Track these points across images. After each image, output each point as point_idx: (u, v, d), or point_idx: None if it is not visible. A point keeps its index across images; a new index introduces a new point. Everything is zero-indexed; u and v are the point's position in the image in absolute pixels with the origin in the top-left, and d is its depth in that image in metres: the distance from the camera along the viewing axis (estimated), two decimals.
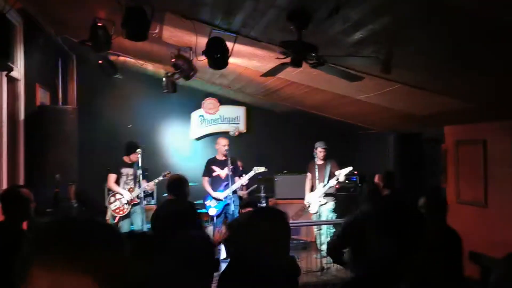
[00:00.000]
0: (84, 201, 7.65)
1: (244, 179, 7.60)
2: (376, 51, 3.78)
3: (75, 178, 6.39)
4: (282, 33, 3.71)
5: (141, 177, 7.09)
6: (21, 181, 5.62)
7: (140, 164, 7.06)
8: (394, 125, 7.58)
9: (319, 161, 7.76)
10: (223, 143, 7.67)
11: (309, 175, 7.93)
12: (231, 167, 7.51)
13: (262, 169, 7.68)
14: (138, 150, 7.04)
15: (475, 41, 3.35)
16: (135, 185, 7.18)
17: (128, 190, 7.17)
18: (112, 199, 7.23)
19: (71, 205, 6.68)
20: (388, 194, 5.49)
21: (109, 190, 7.40)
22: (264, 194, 8.34)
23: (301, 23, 3.39)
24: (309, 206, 7.72)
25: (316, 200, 7.53)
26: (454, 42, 3.49)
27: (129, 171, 7.24)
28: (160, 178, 7.47)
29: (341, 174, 7.41)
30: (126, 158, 7.25)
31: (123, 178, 7.25)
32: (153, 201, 8.58)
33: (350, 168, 7.50)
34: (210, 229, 7.75)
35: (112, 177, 7.22)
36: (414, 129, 6.91)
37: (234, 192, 7.46)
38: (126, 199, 7.17)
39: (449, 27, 3.18)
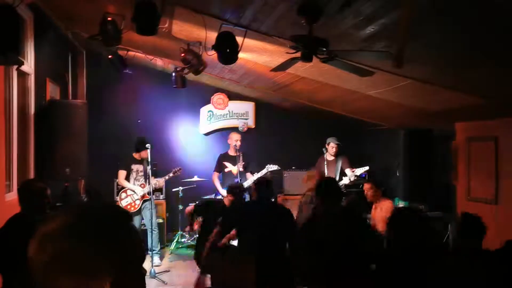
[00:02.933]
0: (94, 196, 7.69)
1: (257, 177, 7.53)
2: (387, 46, 3.74)
3: (85, 172, 6.41)
4: (293, 27, 3.68)
5: (149, 173, 7.10)
6: (31, 175, 5.64)
7: (149, 160, 7.07)
8: (405, 121, 7.52)
9: (329, 157, 7.72)
10: (235, 138, 7.66)
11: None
12: (243, 163, 7.50)
13: (275, 167, 7.62)
14: (147, 145, 7.04)
15: (489, 35, 3.30)
16: (145, 181, 7.20)
17: (140, 186, 7.21)
18: (124, 195, 7.25)
19: (81, 200, 6.72)
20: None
21: (120, 186, 7.42)
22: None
23: (312, 17, 3.36)
24: None
25: None
26: (467, 37, 3.44)
27: (139, 167, 7.26)
28: (171, 174, 7.46)
29: (356, 173, 7.37)
30: (135, 155, 7.27)
31: (133, 174, 7.28)
32: (161, 196, 8.61)
33: (367, 168, 7.45)
34: None
35: (122, 173, 7.25)
36: (424, 126, 6.84)
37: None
38: (138, 195, 7.19)
39: (462, 20, 3.14)
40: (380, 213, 5.42)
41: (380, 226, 5.30)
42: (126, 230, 1.08)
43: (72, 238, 0.98)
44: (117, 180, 7.46)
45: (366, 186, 5.43)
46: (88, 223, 1.03)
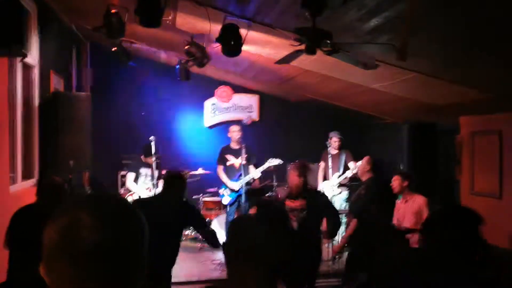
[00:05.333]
0: (97, 188, 7.70)
1: (258, 172, 7.54)
2: (391, 39, 3.72)
3: (89, 164, 6.43)
4: (297, 19, 3.67)
5: (155, 179, 7.02)
6: (36, 168, 5.67)
7: (154, 166, 6.99)
8: (409, 115, 7.50)
9: (333, 151, 7.72)
10: (233, 130, 7.63)
11: (322, 164, 7.89)
12: (245, 156, 7.46)
13: (277, 161, 7.58)
14: (152, 143, 6.97)
15: (495, 28, 3.28)
16: (152, 185, 7.13)
17: (146, 190, 7.11)
18: (129, 198, 7.18)
19: (85, 192, 6.72)
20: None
21: (127, 189, 7.34)
22: (276, 183, 8.32)
23: (315, 10, 3.34)
24: None
25: (330, 189, 7.51)
26: (472, 30, 3.42)
27: (148, 171, 7.15)
28: None
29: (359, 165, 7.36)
30: (143, 158, 7.19)
31: (142, 178, 7.17)
32: None
33: None
34: (222, 217, 7.78)
35: (130, 176, 7.14)
36: (429, 119, 6.82)
37: (248, 183, 7.43)
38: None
39: (467, 13, 3.12)
40: (412, 205, 5.42)
41: (407, 219, 5.30)
42: (143, 220, 1.11)
43: (110, 229, 1.00)
44: (126, 184, 7.30)
45: (394, 178, 5.51)
46: (123, 213, 1.05)
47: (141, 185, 7.16)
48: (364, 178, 6.16)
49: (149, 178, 7.17)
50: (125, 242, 1.01)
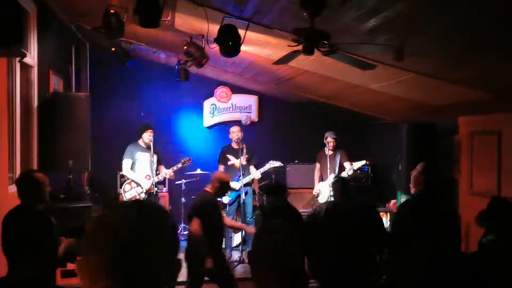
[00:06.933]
0: (97, 188, 7.69)
1: (259, 173, 7.53)
2: (390, 39, 3.73)
3: (88, 164, 6.42)
4: (295, 20, 3.67)
5: (154, 164, 6.95)
6: (35, 168, 5.66)
7: (152, 148, 6.93)
8: (407, 115, 7.50)
9: (329, 151, 7.72)
10: (233, 130, 7.63)
11: (317, 165, 7.89)
12: (246, 156, 7.46)
13: (277, 163, 7.58)
14: (149, 130, 6.94)
15: (494, 28, 3.29)
16: (151, 172, 6.98)
17: (145, 178, 7.02)
18: (128, 187, 7.07)
19: (84, 191, 6.72)
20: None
21: (124, 177, 7.27)
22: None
23: (314, 10, 3.34)
24: (318, 196, 7.69)
25: (327, 189, 7.50)
26: (471, 30, 3.43)
27: (145, 156, 7.04)
28: (179, 165, 7.31)
29: (354, 167, 7.37)
30: (141, 141, 7.10)
31: (139, 164, 7.07)
32: (165, 189, 8.60)
33: (363, 162, 7.44)
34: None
35: (126, 163, 7.04)
36: (427, 119, 6.83)
37: (248, 183, 7.43)
38: (143, 187, 7.03)
39: (467, 13, 3.12)
40: None
41: None
42: (172, 220, 1.14)
43: (142, 229, 1.02)
44: (122, 171, 7.23)
45: None
46: (154, 214, 1.08)
47: (139, 172, 7.03)
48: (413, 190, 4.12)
49: (147, 163, 7.00)
50: (157, 242, 1.03)
